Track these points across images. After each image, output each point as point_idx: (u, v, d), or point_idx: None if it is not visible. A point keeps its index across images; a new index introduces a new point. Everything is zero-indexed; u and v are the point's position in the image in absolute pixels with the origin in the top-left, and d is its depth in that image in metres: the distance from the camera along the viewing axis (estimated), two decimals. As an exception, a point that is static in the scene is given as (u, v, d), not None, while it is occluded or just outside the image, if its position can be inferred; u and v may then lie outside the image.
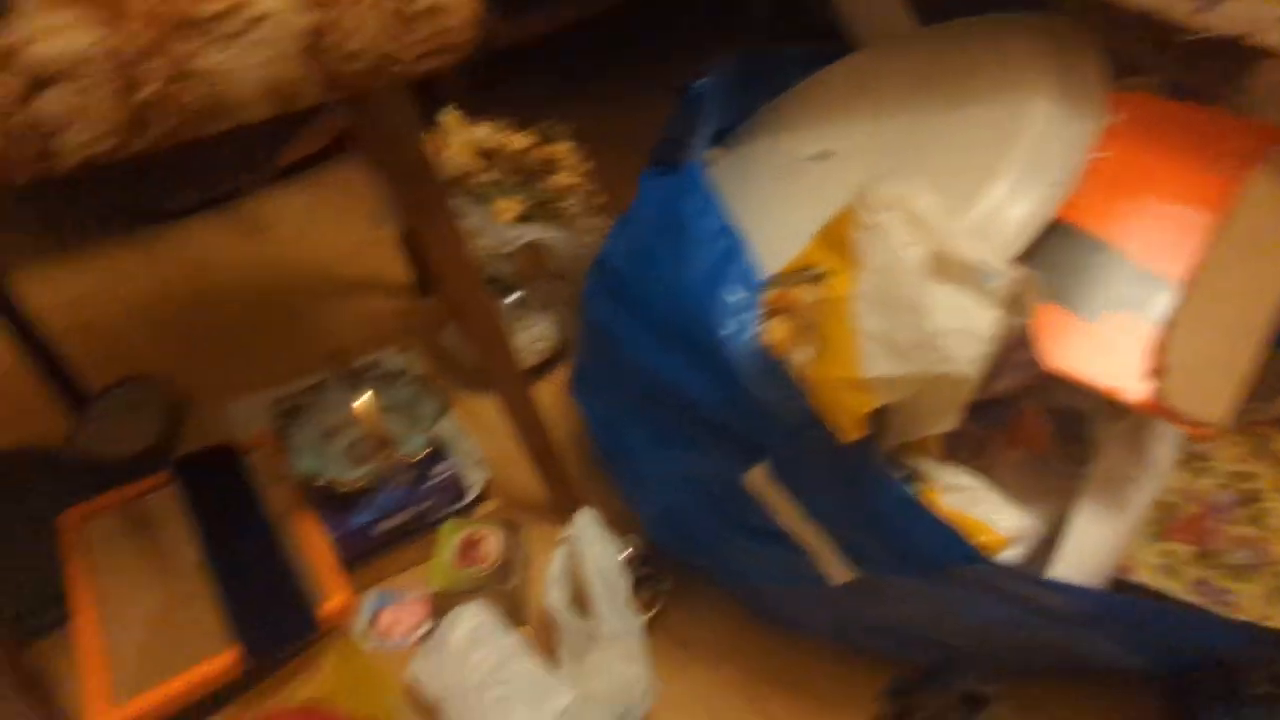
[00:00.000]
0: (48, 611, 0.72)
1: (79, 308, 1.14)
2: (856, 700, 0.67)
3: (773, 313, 0.45)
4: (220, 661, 0.61)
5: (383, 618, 0.75)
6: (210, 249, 1.25)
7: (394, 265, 1.17)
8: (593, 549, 0.64)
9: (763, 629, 0.72)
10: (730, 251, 0.53)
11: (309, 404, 0.76)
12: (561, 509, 0.79)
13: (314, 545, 0.69)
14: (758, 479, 0.53)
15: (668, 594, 0.70)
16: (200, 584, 0.66)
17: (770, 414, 0.50)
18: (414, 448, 0.70)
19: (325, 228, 1.28)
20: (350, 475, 0.69)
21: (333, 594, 0.64)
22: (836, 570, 0.52)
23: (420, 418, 0.74)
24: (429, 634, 0.72)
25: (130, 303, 1.16)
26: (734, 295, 0.52)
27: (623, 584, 0.63)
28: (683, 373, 0.56)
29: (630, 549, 0.67)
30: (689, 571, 0.73)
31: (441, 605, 0.69)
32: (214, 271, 1.21)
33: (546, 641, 0.69)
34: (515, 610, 0.71)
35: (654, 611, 0.68)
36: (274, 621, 0.62)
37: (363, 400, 0.67)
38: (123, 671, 0.61)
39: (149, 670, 0.61)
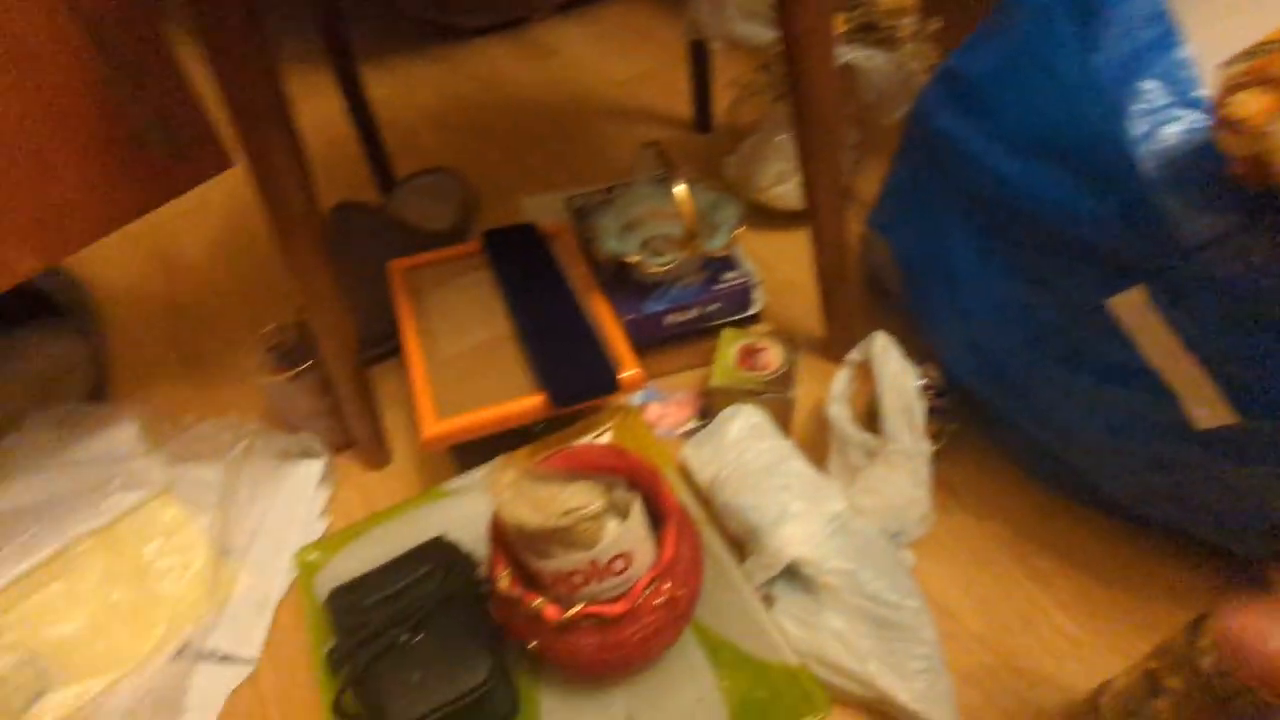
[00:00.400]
0: (381, 344, 0.82)
1: (385, 107, 1.25)
2: (1140, 579, 0.62)
3: (1244, 86, 0.39)
4: (527, 403, 0.66)
5: (650, 410, 0.79)
6: (501, 68, 1.31)
7: (672, 101, 1.17)
8: (891, 367, 0.63)
9: (1040, 493, 0.68)
10: (1159, 40, 0.47)
11: (613, 198, 0.79)
12: (836, 344, 0.79)
13: (609, 323, 0.72)
14: (1131, 304, 0.48)
15: (951, 434, 0.68)
16: (508, 336, 0.71)
17: (1174, 226, 0.45)
18: (718, 244, 0.71)
19: (606, 58, 1.30)
20: (655, 261, 0.71)
21: (628, 365, 0.68)
22: (1210, 413, 0.47)
23: (721, 222, 0.74)
24: (692, 432, 0.75)
25: (429, 107, 1.25)
26: (1153, 90, 0.47)
27: (920, 406, 0.61)
28: (1052, 186, 0.52)
29: (924, 380, 0.64)
30: (975, 419, 0.70)
31: (717, 403, 0.71)
32: (504, 88, 1.27)
33: (813, 456, 0.69)
34: (784, 423, 0.72)
35: (937, 447, 0.66)
36: (577, 375, 0.66)
37: (681, 188, 0.68)
38: (444, 396, 0.68)
39: (466, 398, 0.67)
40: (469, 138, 1.18)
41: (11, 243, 0.60)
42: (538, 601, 0.51)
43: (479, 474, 0.69)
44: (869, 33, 0.79)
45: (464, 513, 0.65)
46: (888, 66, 0.78)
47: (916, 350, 0.70)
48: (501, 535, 0.54)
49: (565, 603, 0.51)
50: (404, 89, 1.29)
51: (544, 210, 0.95)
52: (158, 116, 0.65)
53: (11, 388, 0.80)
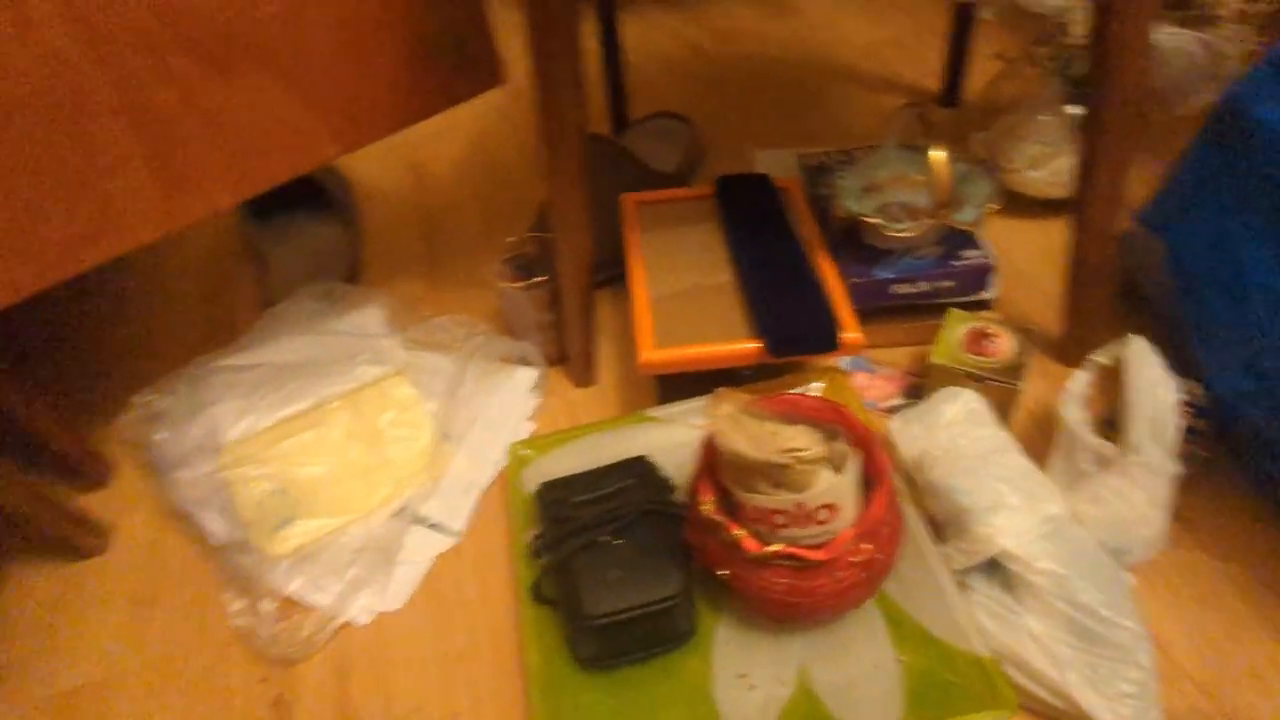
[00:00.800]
0: (603, 271, 0.86)
1: (627, 50, 1.28)
2: None
3: None
4: (742, 347, 0.67)
5: (857, 378, 0.77)
6: (741, 21, 1.31)
7: (917, 70, 1.12)
8: (1147, 374, 0.58)
9: (1298, 545, 0.61)
10: None
11: (853, 159, 0.77)
12: (1073, 345, 0.73)
13: (834, 282, 0.71)
14: None
15: (1202, 460, 0.62)
16: (730, 280, 0.72)
17: None
18: (968, 218, 0.68)
19: (851, 20, 1.26)
20: (895, 226, 0.69)
21: (849, 328, 0.67)
22: None
23: (969, 196, 0.71)
24: (895, 409, 0.73)
25: (665, 56, 1.28)
26: None
27: (1174, 422, 0.56)
28: None
29: (1185, 395, 0.59)
30: (1232, 449, 0.63)
31: (933, 381, 0.69)
32: (742, 42, 1.27)
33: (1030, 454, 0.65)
34: (1004, 416, 0.68)
35: (1183, 471, 0.60)
36: (798, 328, 0.66)
37: (939, 152, 0.65)
38: (663, 327, 0.70)
39: (683, 332, 0.69)
40: (702, 87, 1.19)
41: (324, 128, 0.68)
42: (739, 531, 0.52)
43: (685, 406, 0.71)
44: (1178, 9, 0.71)
45: (666, 439, 0.68)
46: (1194, 47, 0.70)
47: (1170, 364, 0.64)
48: (712, 462, 0.56)
49: (762, 540, 0.52)
50: (646, 35, 1.32)
51: (774, 165, 0.95)
52: (452, 28, 0.70)
53: (289, 261, 0.92)
